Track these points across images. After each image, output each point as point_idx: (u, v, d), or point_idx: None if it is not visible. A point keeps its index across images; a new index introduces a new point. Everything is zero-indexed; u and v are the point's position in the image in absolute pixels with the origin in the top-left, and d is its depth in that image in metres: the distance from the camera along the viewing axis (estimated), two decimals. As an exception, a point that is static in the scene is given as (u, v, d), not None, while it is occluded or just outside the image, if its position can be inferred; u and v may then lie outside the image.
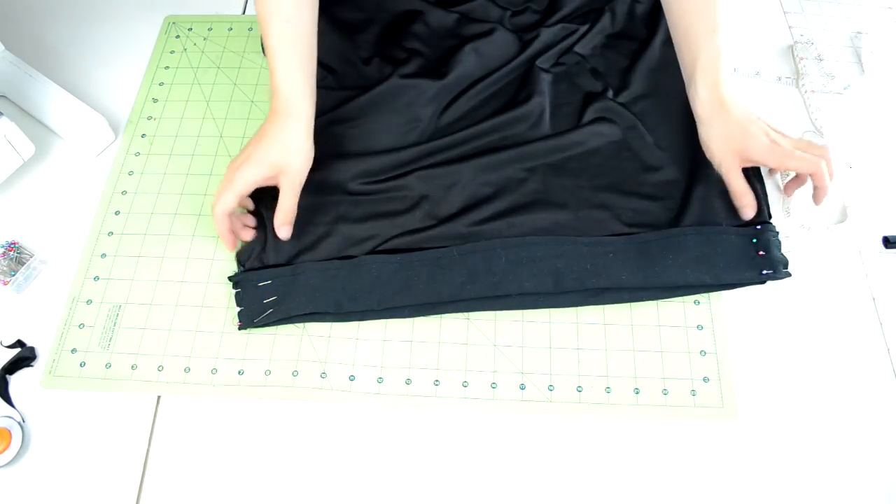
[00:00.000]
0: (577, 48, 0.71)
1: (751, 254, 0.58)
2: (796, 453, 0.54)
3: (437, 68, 0.70)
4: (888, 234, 0.63)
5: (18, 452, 0.56)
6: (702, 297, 0.60)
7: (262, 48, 0.72)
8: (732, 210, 0.60)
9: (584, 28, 0.72)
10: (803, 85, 0.72)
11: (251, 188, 0.59)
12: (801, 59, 0.74)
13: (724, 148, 0.58)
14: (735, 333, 0.59)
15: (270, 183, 0.59)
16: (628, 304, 0.60)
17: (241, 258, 0.63)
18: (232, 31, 0.81)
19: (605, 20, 0.73)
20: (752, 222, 0.59)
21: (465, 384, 0.58)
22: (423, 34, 0.73)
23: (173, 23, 0.82)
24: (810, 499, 0.53)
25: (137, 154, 0.72)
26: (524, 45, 0.71)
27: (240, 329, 0.60)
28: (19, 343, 0.61)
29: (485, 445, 0.55)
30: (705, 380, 0.57)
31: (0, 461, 0.55)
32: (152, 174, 0.70)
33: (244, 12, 0.83)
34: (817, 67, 0.74)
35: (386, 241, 0.61)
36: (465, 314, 0.60)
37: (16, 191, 0.70)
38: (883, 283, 0.61)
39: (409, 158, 0.65)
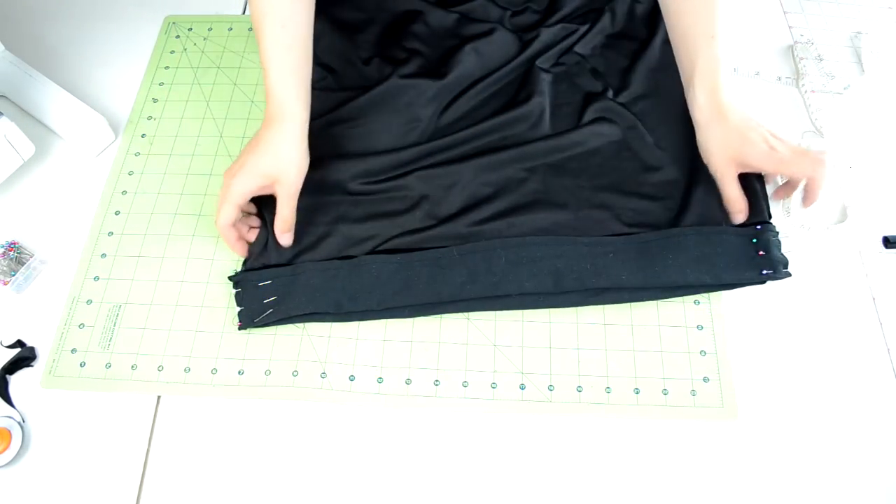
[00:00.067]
0: (577, 48, 0.71)
1: (751, 254, 0.58)
2: (796, 453, 0.54)
3: (437, 68, 0.70)
4: (888, 234, 0.63)
5: (18, 452, 0.56)
6: (702, 297, 0.60)
7: None
8: (732, 210, 0.60)
9: (584, 28, 0.72)
10: (803, 85, 0.72)
11: (247, 198, 0.59)
12: (801, 59, 0.74)
13: (720, 154, 0.59)
14: (735, 333, 0.59)
15: (266, 192, 0.59)
16: (628, 304, 0.60)
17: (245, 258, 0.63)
18: (232, 31, 0.81)
19: (605, 20, 0.73)
20: (753, 222, 0.60)
21: (465, 384, 0.58)
22: (423, 34, 0.73)
23: (173, 23, 0.82)
24: (810, 499, 0.53)
25: (137, 154, 0.72)
26: (524, 45, 0.71)
27: (240, 329, 0.60)
28: (19, 343, 0.61)
29: (485, 445, 0.55)
30: (705, 380, 0.57)
31: (0, 461, 0.55)
32: (152, 174, 0.70)
33: (244, 12, 0.83)
34: (817, 67, 0.74)
35: (386, 241, 0.61)
36: (465, 314, 0.60)
37: (16, 191, 0.70)
38: (883, 283, 0.61)
39: (409, 158, 0.65)
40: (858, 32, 0.77)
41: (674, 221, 0.61)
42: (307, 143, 0.60)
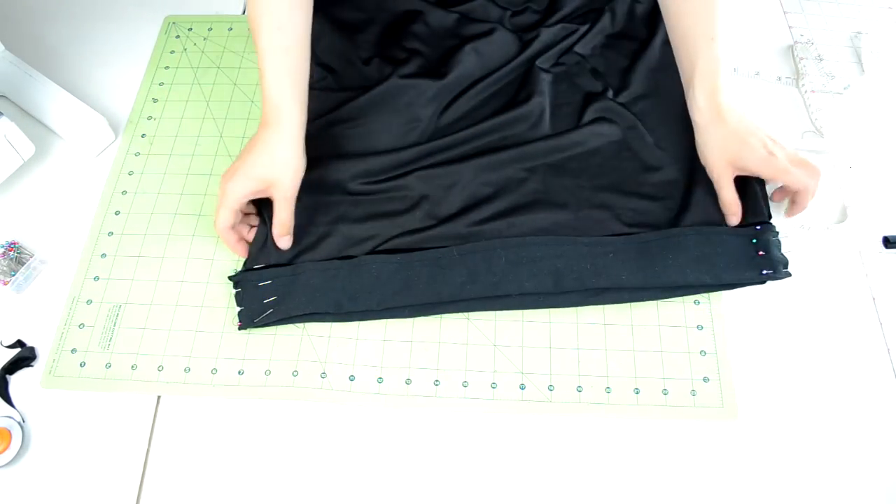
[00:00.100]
0: (577, 48, 0.71)
1: (751, 254, 0.58)
2: (796, 453, 0.54)
3: (437, 68, 0.70)
4: (888, 234, 0.63)
5: (18, 452, 0.56)
6: (702, 297, 0.60)
7: None
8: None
9: (584, 28, 0.72)
10: (803, 85, 0.72)
11: (243, 201, 0.59)
12: (801, 59, 0.74)
13: (718, 156, 0.59)
14: (735, 333, 0.59)
15: (262, 195, 0.59)
16: (628, 304, 0.60)
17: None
18: (232, 31, 0.81)
19: (605, 20, 0.73)
20: (753, 222, 0.60)
21: (465, 384, 0.58)
22: (423, 34, 0.73)
23: (173, 23, 0.82)
24: (810, 499, 0.53)
25: (137, 154, 0.72)
26: (524, 45, 0.71)
27: (240, 329, 0.60)
28: (19, 343, 0.61)
29: (485, 445, 0.55)
30: (705, 380, 0.57)
31: (0, 461, 0.55)
32: (152, 174, 0.70)
33: (244, 12, 0.83)
34: (817, 67, 0.74)
35: (386, 241, 0.61)
36: (465, 314, 0.60)
37: (16, 191, 0.70)
38: (883, 283, 0.61)
39: (409, 158, 0.65)
40: (858, 32, 0.77)
41: (674, 221, 0.61)
42: (303, 146, 0.60)
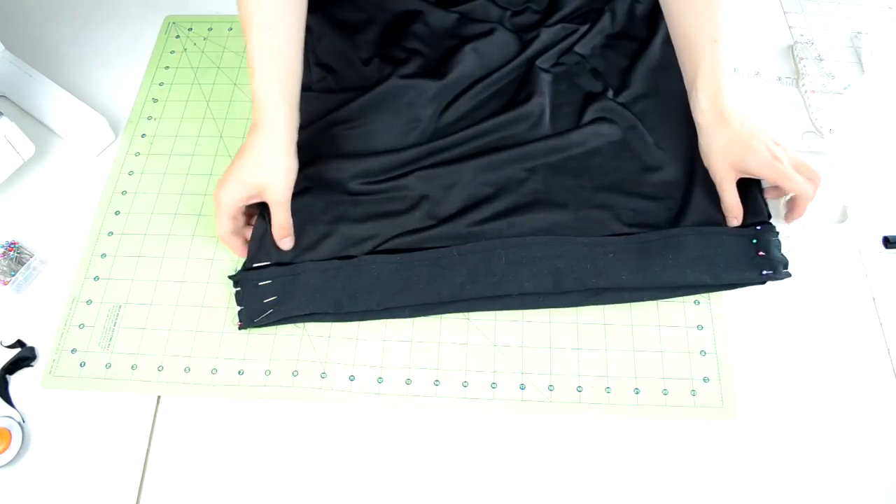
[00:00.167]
0: (577, 48, 0.71)
1: (751, 254, 0.58)
2: (796, 453, 0.54)
3: (437, 68, 0.70)
4: (888, 234, 0.63)
5: (18, 452, 0.56)
6: (702, 297, 0.60)
7: None
8: (732, 210, 0.60)
9: (584, 28, 0.72)
10: (803, 85, 0.72)
11: (237, 207, 0.59)
12: (801, 59, 0.74)
13: (721, 159, 0.59)
14: (735, 333, 0.59)
15: (256, 200, 0.59)
16: (628, 304, 0.60)
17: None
18: (232, 31, 0.81)
19: (605, 20, 0.72)
20: (753, 223, 0.60)
21: (465, 384, 0.58)
22: (423, 34, 0.73)
23: (173, 23, 0.82)
24: (810, 499, 0.53)
25: (137, 154, 0.72)
26: (524, 45, 0.71)
27: (240, 329, 0.60)
28: (19, 343, 0.61)
29: (485, 445, 0.55)
30: (705, 380, 0.57)
31: (0, 461, 0.55)
32: (152, 174, 0.70)
33: (244, 12, 0.83)
34: (817, 67, 0.74)
35: (386, 241, 0.61)
36: (465, 314, 0.60)
37: (16, 191, 0.70)
38: (883, 283, 0.61)
39: (409, 158, 0.65)
40: (858, 32, 0.77)
41: (674, 221, 0.61)
42: (294, 147, 0.59)
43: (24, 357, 0.60)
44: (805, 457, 0.54)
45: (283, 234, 0.60)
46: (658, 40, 0.71)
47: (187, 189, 0.69)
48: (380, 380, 0.58)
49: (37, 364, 0.60)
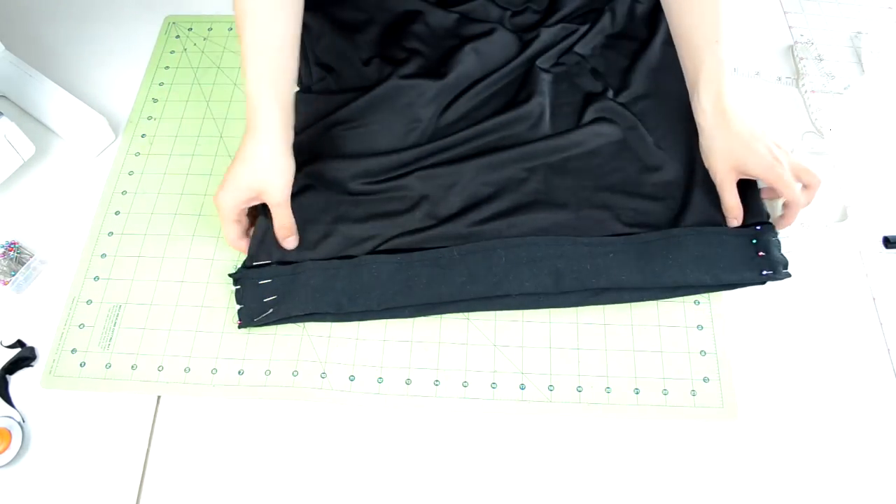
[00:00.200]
0: (578, 48, 0.71)
1: (751, 254, 0.58)
2: (796, 453, 0.54)
3: (437, 68, 0.70)
4: (888, 234, 0.63)
5: (18, 452, 0.56)
6: (702, 297, 0.60)
7: None
8: (733, 211, 0.60)
9: (584, 28, 0.72)
10: (803, 85, 0.72)
11: (237, 211, 0.59)
12: (801, 59, 0.74)
13: (723, 160, 0.59)
14: (735, 333, 0.59)
15: (255, 202, 0.59)
16: (628, 304, 0.60)
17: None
18: (232, 31, 0.81)
19: (605, 20, 0.72)
20: (752, 223, 0.60)
21: (465, 384, 0.58)
22: (423, 34, 0.73)
23: (173, 23, 0.82)
24: (810, 499, 0.53)
25: (137, 154, 0.72)
26: (524, 45, 0.71)
27: (239, 327, 0.60)
28: (19, 343, 0.61)
29: (485, 445, 0.55)
30: (705, 380, 0.57)
31: (0, 461, 0.55)
32: (152, 174, 0.70)
33: (244, 12, 0.83)
34: (817, 67, 0.74)
35: (386, 242, 0.61)
36: (465, 314, 0.60)
37: (16, 191, 0.70)
38: (883, 283, 0.61)
39: (409, 159, 0.65)
40: (858, 32, 0.77)
41: (674, 222, 0.61)
42: (288, 147, 0.59)
43: (24, 357, 0.60)
44: (805, 457, 0.54)
45: (286, 233, 0.60)
46: (658, 40, 0.70)
47: (187, 189, 0.69)
48: (380, 380, 0.58)
49: (37, 364, 0.60)
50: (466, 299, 0.59)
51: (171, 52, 0.79)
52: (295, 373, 0.58)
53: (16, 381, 0.59)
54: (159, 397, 0.59)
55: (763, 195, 0.62)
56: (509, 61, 0.70)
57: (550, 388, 0.57)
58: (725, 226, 0.60)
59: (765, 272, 0.57)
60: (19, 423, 0.57)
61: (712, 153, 0.60)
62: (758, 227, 0.59)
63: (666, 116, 0.66)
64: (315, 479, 0.54)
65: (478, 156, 0.65)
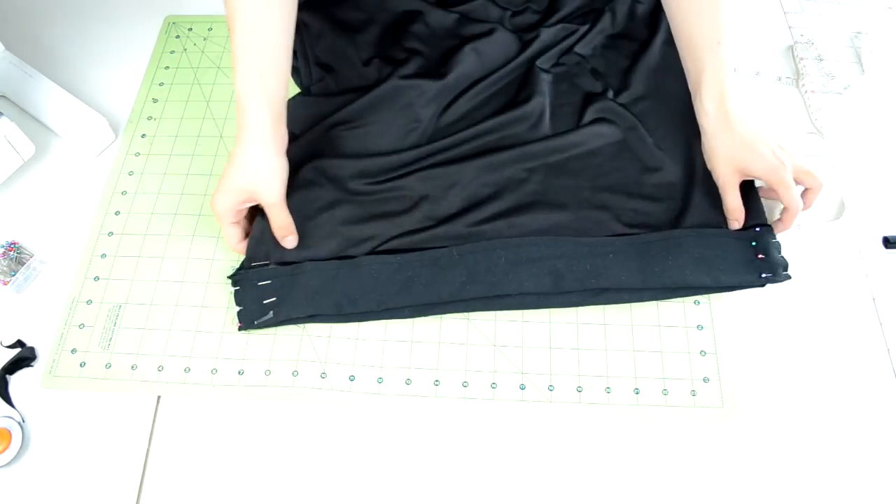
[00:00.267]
0: (578, 48, 0.71)
1: (750, 257, 0.58)
2: (797, 453, 0.54)
3: (436, 68, 0.70)
4: (888, 234, 0.63)
5: (18, 452, 0.56)
6: (702, 298, 0.60)
7: None
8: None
9: (584, 28, 0.72)
10: (803, 85, 0.72)
11: (233, 214, 0.59)
12: (801, 59, 0.74)
13: (726, 162, 0.59)
14: (735, 333, 0.59)
15: (251, 204, 0.59)
16: (628, 304, 0.60)
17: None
18: (232, 31, 0.80)
19: (606, 20, 0.72)
20: (752, 224, 0.59)
21: (465, 384, 0.58)
22: (422, 34, 0.73)
23: (173, 23, 0.82)
24: (810, 499, 0.53)
25: (137, 154, 0.72)
26: (524, 46, 0.71)
27: (240, 330, 0.60)
28: (19, 343, 0.61)
29: (485, 445, 0.55)
30: (705, 380, 0.57)
31: (0, 461, 0.55)
32: (152, 174, 0.70)
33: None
34: (817, 67, 0.74)
35: (386, 242, 0.61)
36: (465, 314, 0.60)
37: (16, 191, 0.70)
38: (883, 283, 0.61)
39: (409, 159, 0.65)
40: (858, 32, 0.77)
41: (674, 223, 0.61)
42: (280, 147, 0.59)
43: (24, 357, 0.60)
44: (805, 457, 0.54)
45: (284, 233, 0.60)
46: (658, 41, 0.70)
47: (187, 189, 0.69)
48: (380, 380, 0.58)
49: (37, 364, 0.60)
50: (466, 299, 0.59)
51: (171, 52, 0.79)
52: (295, 373, 0.58)
53: (16, 381, 0.59)
54: (159, 397, 0.59)
55: (762, 195, 0.62)
56: (509, 61, 0.70)
57: (550, 388, 0.57)
58: (725, 227, 0.60)
59: (764, 275, 0.57)
60: (19, 423, 0.57)
61: (715, 155, 0.60)
62: (757, 229, 0.59)
63: (666, 117, 0.66)
64: (315, 479, 0.54)
65: (478, 156, 0.65)
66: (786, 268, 0.58)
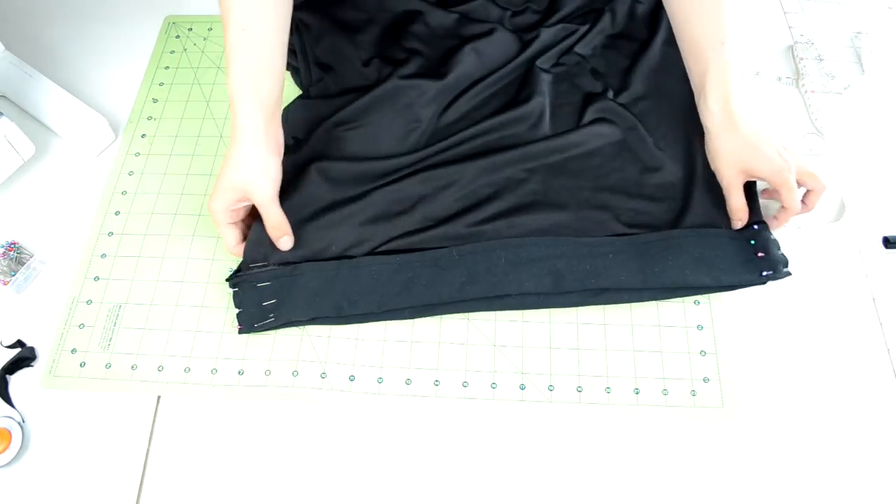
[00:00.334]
0: (578, 48, 0.71)
1: (750, 255, 0.58)
2: (797, 453, 0.54)
3: (437, 69, 0.70)
4: (888, 234, 0.63)
5: (18, 452, 0.56)
6: (702, 298, 0.60)
7: None
8: (732, 212, 0.60)
9: (584, 28, 0.72)
10: (803, 85, 0.72)
11: (228, 214, 0.58)
12: (801, 59, 0.74)
13: (730, 162, 0.59)
14: (735, 333, 0.59)
15: (245, 203, 0.59)
16: (628, 304, 0.60)
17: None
18: (232, 31, 0.80)
19: (606, 20, 0.72)
20: (750, 222, 0.59)
21: (465, 384, 0.58)
22: (423, 34, 0.73)
23: (173, 23, 0.82)
24: (810, 499, 0.53)
25: (137, 154, 0.72)
26: (524, 46, 0.71)
27: (240, 332, 0.60)
28: (19, 343, 0.61)
29: (485, 445, 0.55)
30: (705, 380, 0.57)
31: (0, 461, 0.55)
32: (152, 174, 0.70)
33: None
34: (817, 67, 0.74)
35: (385, 243, 0.61)
36: (465, 314, 0.60)
37: (16, 191, 0.70)
38: (883, 283, 0.61)
39: (409, 160, 0.65)
40: (858, 32, 0.77)
41: (674, 223, 0.61)
42: (273, 146, 0.58)
43: (24, 357, 0.60)
44: (805, 457, 0.54)
45: (279, 233, 0.59)
46: (659, 41, 0.70)
47: (187, 189, 0.69)
48: (380, 380, 0.58)
49: (37, 364, 0.60)
50: (466, 300, 0.59)
51: (171, 52, 0.79)
52: (295, 373, 0.58)
53: (16, 381, 0.59)
54: (159, 397, 0.59)
55: (762, 195, 0.62)
56: (509, 61, 0.70)
57: (550, 388, 0.57)
58: (725, 227, 0.60)
59: (765, 273, 0.57)
60: (19, 423, 0.57)
61: (720, 155, 0.60)
62: (755, 227, 0.59)
63: (666, 117, 0.66)
64: (315, 479, 0.54)
65: (477, 156, 0.65)
66: (786, 264, 0.58)
